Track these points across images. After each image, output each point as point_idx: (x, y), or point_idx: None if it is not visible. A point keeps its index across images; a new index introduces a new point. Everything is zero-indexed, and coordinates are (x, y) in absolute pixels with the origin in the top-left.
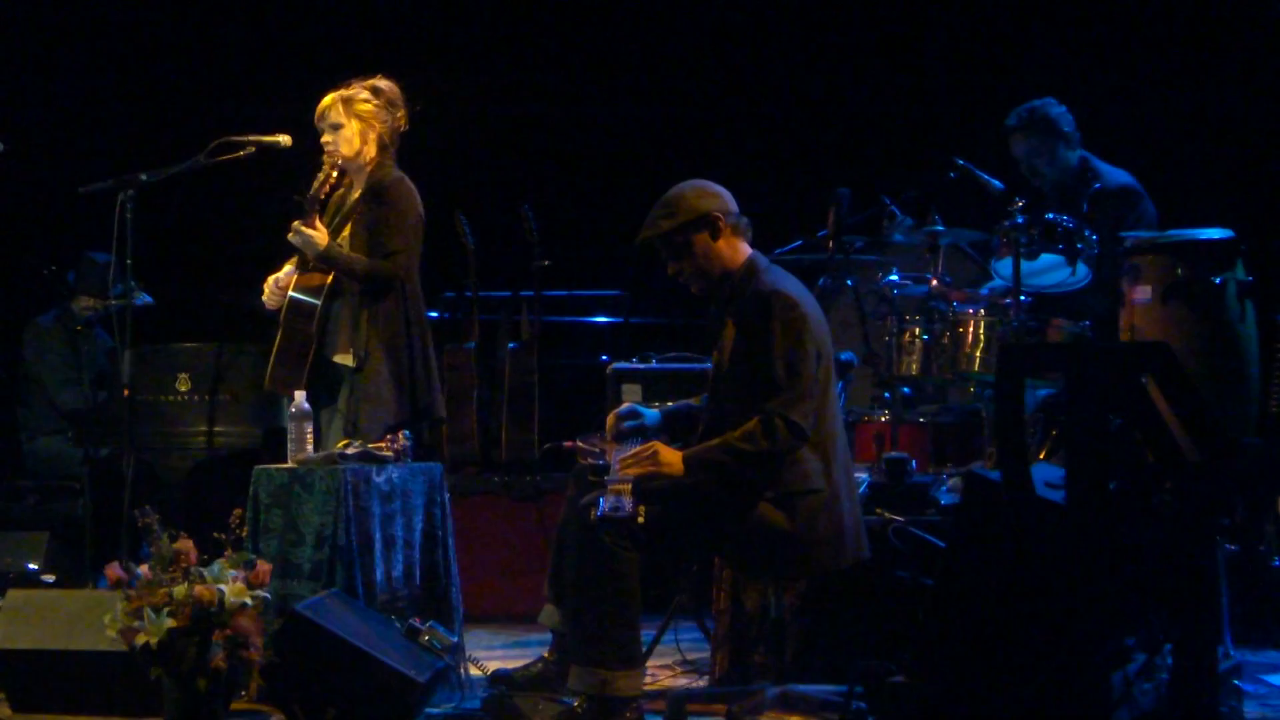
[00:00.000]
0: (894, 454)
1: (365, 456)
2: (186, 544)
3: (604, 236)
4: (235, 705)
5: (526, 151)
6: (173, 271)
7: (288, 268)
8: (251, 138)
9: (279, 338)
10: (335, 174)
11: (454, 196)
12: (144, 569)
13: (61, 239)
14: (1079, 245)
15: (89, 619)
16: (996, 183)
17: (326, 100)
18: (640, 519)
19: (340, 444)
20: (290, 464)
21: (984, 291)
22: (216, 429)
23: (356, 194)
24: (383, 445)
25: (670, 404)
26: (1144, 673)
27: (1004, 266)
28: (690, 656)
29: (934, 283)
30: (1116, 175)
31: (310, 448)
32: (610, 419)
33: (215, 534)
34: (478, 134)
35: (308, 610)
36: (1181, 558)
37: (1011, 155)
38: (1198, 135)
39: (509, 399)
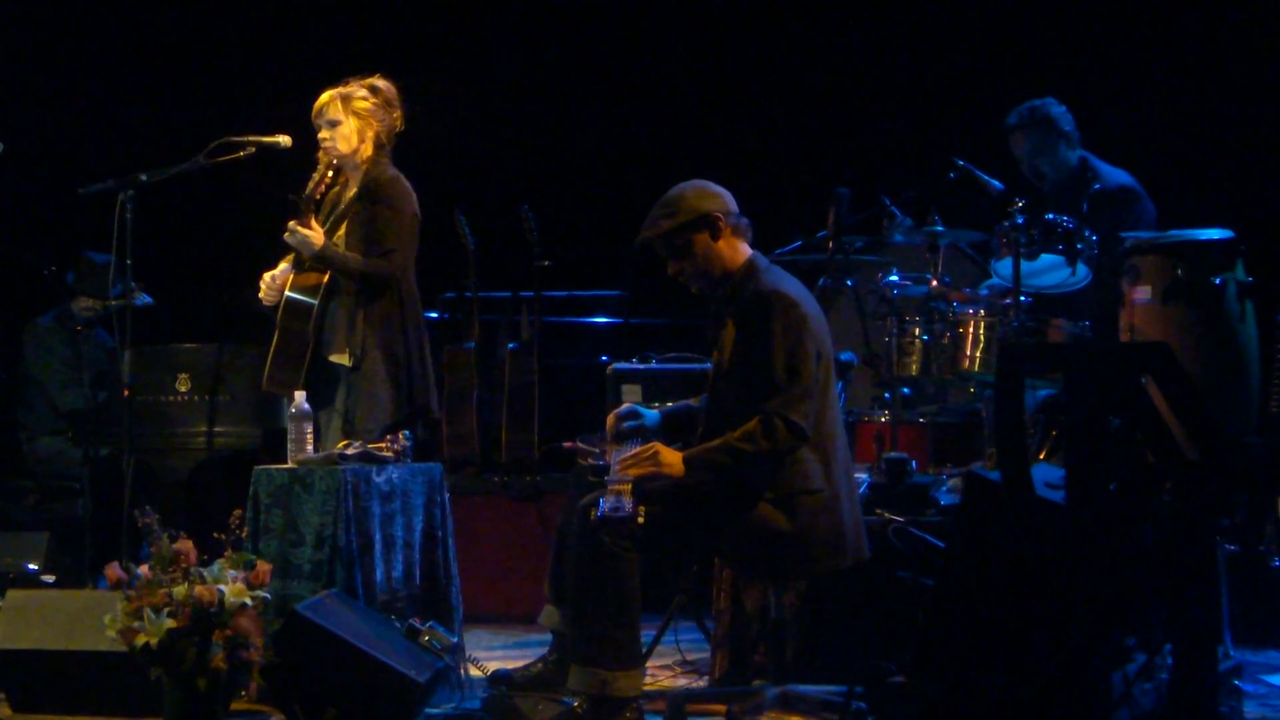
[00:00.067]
0: (894, 454)
1: (365, 456)
2: (186, 544)
3: (604, 236)
4: (235, 705)
5: (526, 151)
6: (173, 271)
7: (283, 265)
8: (251, 138)
9: (275, 338)
10: (330, 173)
11: (454, 196)
12: (144, 569)
13: (61, 239)
14: (1079, 245)
15: (89, 619)
16: (996, 183)
17: (324, 97)
18: (640, 519)
19: (340, 444)
20: (290, 464)
21: (983, 291)
22: (216, 429)
23: (352, 192)
24: (383, 445)
25: (670, 404)
26: (1144, 673)
27: (1004, 266)
28: (690, 656)
29: (934, 283)
30: (1116, 175)
31: (310, 448)
32: (610, 419)
33: (215, 534)
34: (478, 134)
35: (308, 610)
36: (1181, 558)
37: (1011, 155)
38: (1198, 135)
39: (509, 399)
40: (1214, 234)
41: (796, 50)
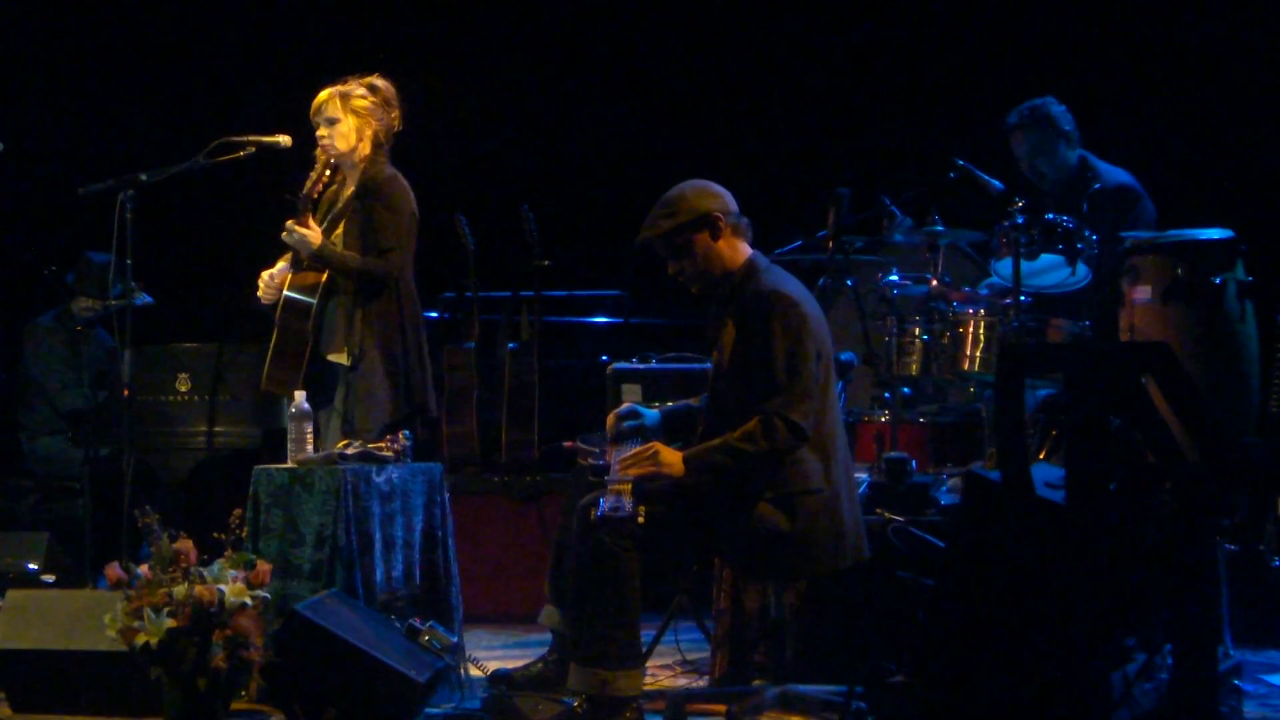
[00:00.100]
0: (894, 454)
1: (365, 456)
2: (186, 544)
3: (604, 236)
4: (235, 705)
5: (526, 151)
6: (173, 271)
7: (281, 263)
8: (251, 138)
9: (274, 338)
10: (328, 172)
11: (454, 196)
12: (144, 569)
13: (61, 239)
14: (1079, 245)
15: (89, 619)
16: (996, 183)
17: (323, 95)
18: (640, 519)
19: (340, 444)
20: (290, 464)
21: (983, 291)
22: (216, 429)
23: (350, 191)
24: (383, 445)
25: (670, 404)
26: (1144, 673)
27: (1004, 266)
28: (690, 656)
29: (934, 283)
30: (1116, 174)
31: (310, 448)
32: (610, 419)
33: (215, 534)
34: (478, 134)
35: (308, 610)
36: (1181, 558)
37: (1011, 155)
38: (1198, 135)
39: (509, 399)
40: (1214, 234)
41: (796, 50)
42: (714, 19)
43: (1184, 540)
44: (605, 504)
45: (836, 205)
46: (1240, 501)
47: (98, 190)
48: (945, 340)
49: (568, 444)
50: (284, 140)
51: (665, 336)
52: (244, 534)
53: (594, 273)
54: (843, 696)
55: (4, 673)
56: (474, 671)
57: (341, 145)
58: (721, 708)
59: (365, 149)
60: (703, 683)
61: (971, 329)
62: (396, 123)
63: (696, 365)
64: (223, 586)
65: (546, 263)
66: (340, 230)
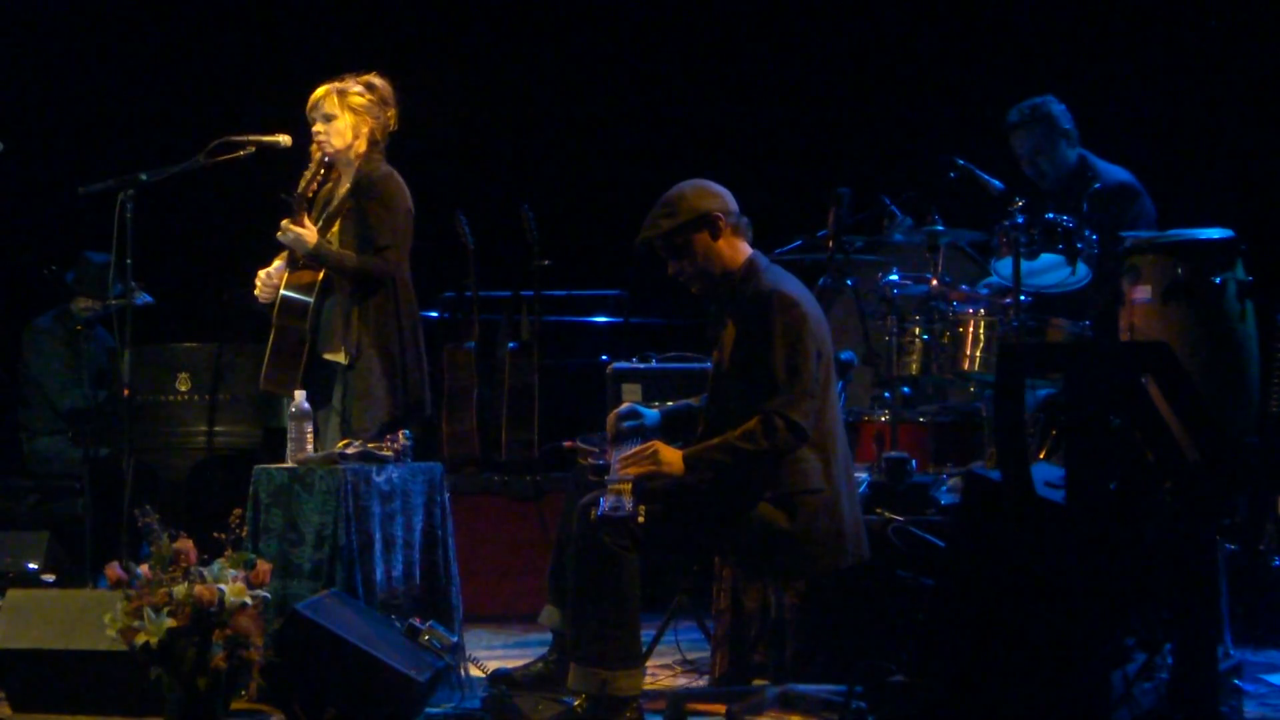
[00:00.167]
0: (894, 454)
1: (365, 456)
2: (186, 544)
3: (604, 236)
4: (235, 705)
5: (526, 151)
6: (173, 271)
7: (278, 262)
8: (251, 138)
9: (272, 337)
10: (322, 170)
11: (454, 196)
12: (144, 569)
13: (61, 239)
14: (1079, 245)
15: (89, 619)
16: (996, 183)
17: (320, 91)
18: (640, 519)
19: (340, 444)
20: (290, 464)
21: (983, 290)
22: (216, 429)
23: (345, 189)
24: (383, 445)
25: (670, 404)
26: (1144, 673)
27: (1004, 266)
28: (690, 656)
29: (934, 283)
30: (1115, 173)
31: (310, 447)
32: (610, 419)
33: (215, 534)
34: (478, 134)
35: (308, 610)
36: (1181, 558)
37: (1011, 154)
38: (1198, 135)
39: (509, 399)
40: (1214, 234)
41: (797, 50)
42: (714, 19)
43: (1184, 540)
44: (605, 504)
45: (836, 205)
46: (1240, 501)
47: (98, 190)
48: (945, 340)
49: (568, 444)
50: (284, 140)
51: (665, 336)
52: (244, 534)
53: (594, 273)
54: (843, 696)
55: (4, 673)
56: (474, 671)
57: (337, 142)
58: (721, 708)
59: (361, 146)
60: (703, 683)
61: (971, 329)
62: (393, 121)
63: (696, 365)
64: (223, 586)
65: (546, 262)
66: (336, 229)
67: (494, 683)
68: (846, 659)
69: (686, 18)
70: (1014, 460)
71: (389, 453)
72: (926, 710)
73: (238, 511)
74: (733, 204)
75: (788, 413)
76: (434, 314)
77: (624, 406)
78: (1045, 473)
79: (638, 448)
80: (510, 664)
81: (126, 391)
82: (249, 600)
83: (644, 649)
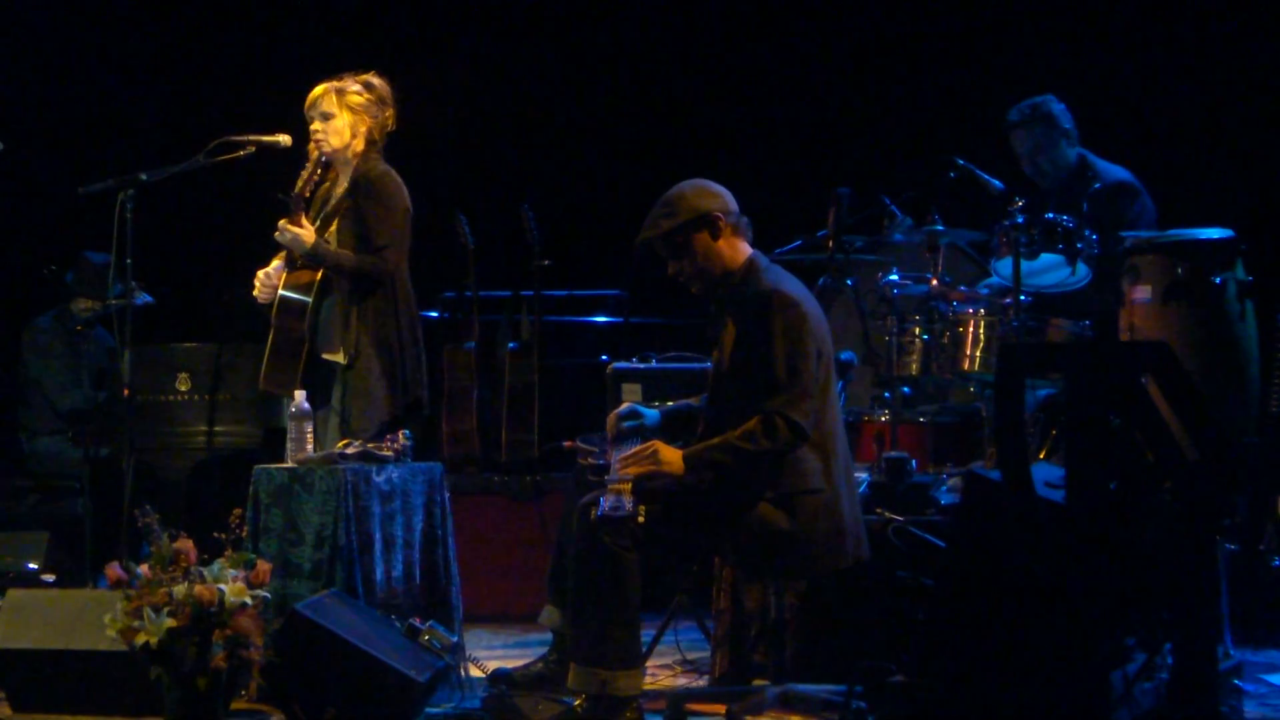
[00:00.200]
0: (894, 454)
1: (365, 456)
2: (186, 544)
3: (604, 236)
4: (235, 705)
5: (526, 151)
6: (173, 271)
7: (276, 262)
8: (251, 138)
9: (271, 337)
10: (319, 170)
11: (454, 196)
12: (144, 569)
13: (61, 239)
14: (1079, 245)
15: (89, 619)
16: (996, 183)
17: (318, 90)
18: (640, 519)
19: (340, 444)
20: (290, 464)
21: (983, 290)
22: (216, 429)
23: (342, 188)
24: (383, 445)
25: (670, 404)
26: (1144, 673)
27: (1004, 266)
28: (690, 656)
29: (934, 283)
30: (1114, 171)
31: (310, 447)
32: (610, 419)
33: (215, 534)
34: (478, 134)
35: (308, 610)
36: (1181, 558)
37: (1011, 154)
38: (1198, 135)
39: (509, 399)
40: (1214, 234)
41: (797, 50)
42: (714, 18)
43: (1184, 540)
44: (605, 504)
45: (836, 205)
46: (1240, 501)
47: (98, 190)
48: (945, 340)
49: (568, 444)
50: (284, 140)
51: (665, 336)
52: (244, 534)
53: (594, 273)
54: (843, 696)
55: (4, 673)
56: (474, 671)
57: (335, 141)
58: (721, 708)
59: (359, 145)
60: (703, 683)
61: (971, 329)
62: (390, 121)
63: (696, 365)
64: (223, 586)
65: (546, 262)
66: (334, 228)
67: (494, 683)
68: (846, 659)
69: (686, 17)
70: (1014, 460)
71: (389, 453)
72: (926, 710)
73: (238, 511)
74: (733, 204)
75: (788, 413)
76: (434, 314)
77: (624, 406)
78: (1045, 473)
79: (637, 448)
80: (510, 664)
81: (126, 391)
82: (249, 600)
83: (644, 649)
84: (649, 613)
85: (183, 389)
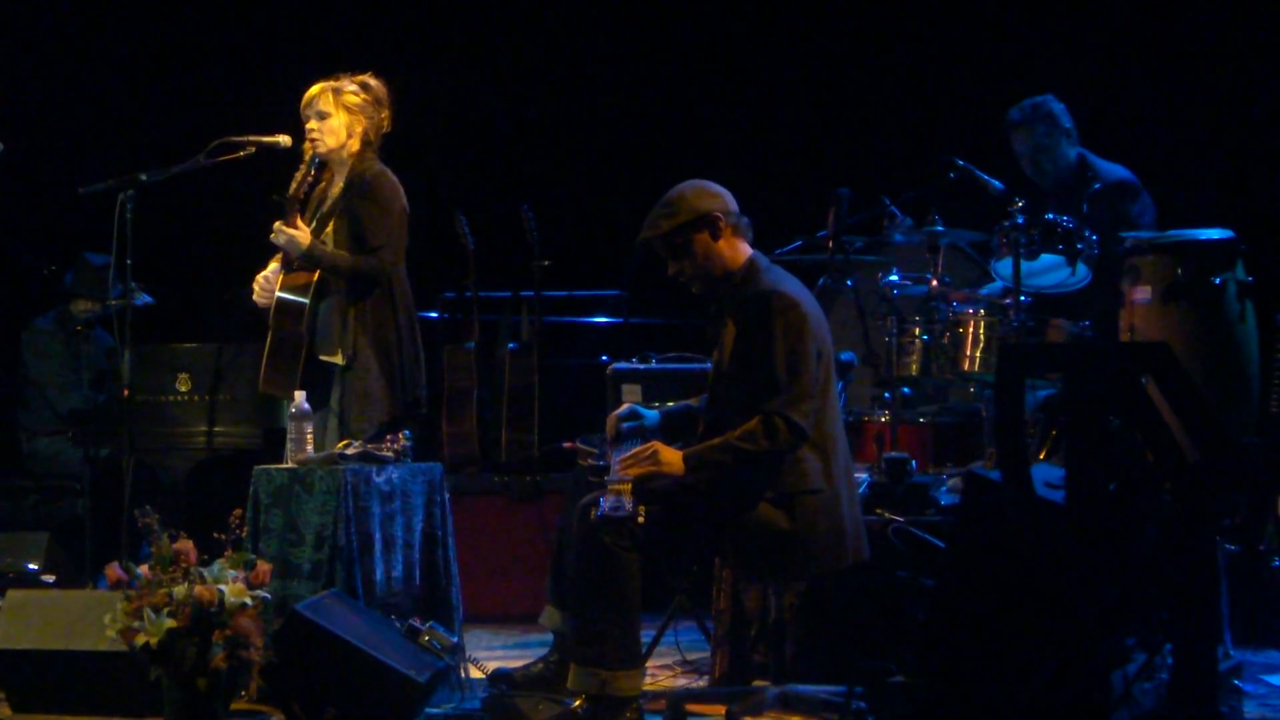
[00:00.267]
0: (894, 454)
1: (365, 456)
2: (186, 544)
3: (604, 236)
4: (235, 705)
5: (526, 151)
6: (173, 271)
7: (273, 265)
8: (251, 138)
9: (269, 340)
10: (313, 171)
11: (454, 196)
12: (144, 569)
13: (61, 239)
14: (1079, 245)
15: (89, 619)
16: (996, 183)
17: (315, 89)
18: (640, 519)
19: (340, 444)
20: (290, 464)
21: (983, 292)
22: (216, 429)
23: (338, 189)
24: (383, 445)
25: (670, 404)
26: (1144, 673)
27: (1004, 266)
28: (690, 656)
29: (934, 283)
30: (1115, 171)
31: (310, 448)
32: (610, 419)
33: (215, 534)
34: (478, 134)
35: (308, 610)
36: (1181, 558)
37: (1011, 154)
38: (1198, 135)
39: (509, 399)
40: (1214, 234)
41: (797, 50)
42: (714, 18)
43: (1184, 540)
44: (605, 504)
45: (836, 205)
46: (1240, 501)
47: (98, 190)
48: (945, 340)
49: (568, 444)
50: (284, 140)
51: (665, 336)
52: (244, 534)
53: (594, 273)
54: (843, 696)
55: (4, 673)
56: (474, 671)
57: (331, 141)
58: (721, 708)
59: (354, 146)
60: (703, 683)
61: (971, 329)
62: (386, 123)
63: (696, 365)
64: (223, 586)
65: (546, 263)
66: (330, 229)
67: (494, 683)
68: (846, 659)
69: (686, 18)
70: (1014, 460)
71: (389, 453)
72: (926, 710)
73: (238, 512)
74: (733, 204)
75: (788, 413)
76: (434, 314)
77: (624, 407)
78: (1045, 473)
79: (637, 448)
80: (510, 664)
81: (126, 391)
82: (249, 601)
83: (644, 649)
84: (649, 613)
85: (183, 389)
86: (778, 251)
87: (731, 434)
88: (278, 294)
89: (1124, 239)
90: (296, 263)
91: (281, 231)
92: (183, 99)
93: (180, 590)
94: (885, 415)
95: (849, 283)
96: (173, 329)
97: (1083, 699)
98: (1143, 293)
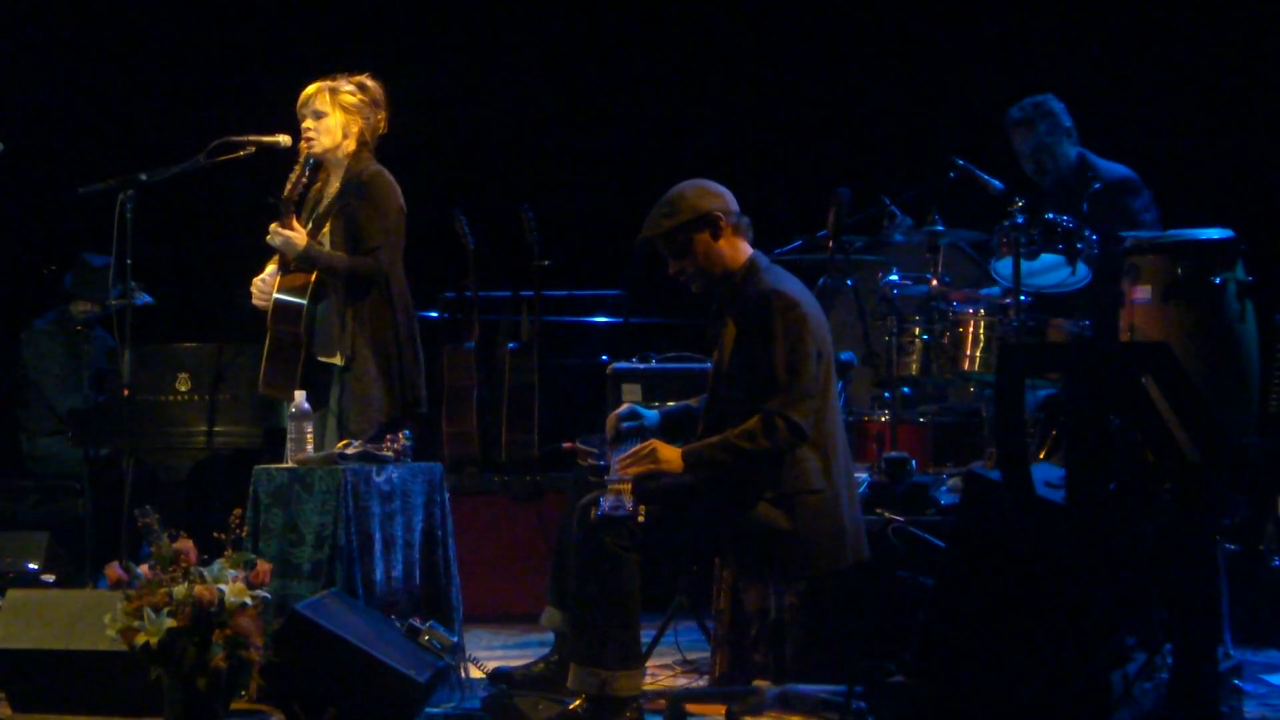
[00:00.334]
0: (894, 454)
1: (365, 456)
2: (186, 544)
3: (604, 236)
4: (235, 705)
5: (526, 151)
6: (173, 271)
7: (271, 267)
8: (251, 138)
9: (267, 341)
10: (308, 172)
11: (454, 196)
12: (144, 569)
13: (61, 239)
14: (1079, 245)
15: (89, 619)
16: (996, 183)
17: (311, 88)
18: (640, 519)
19: (340, 444)
20: (290, 464)
21: (984, 293)
22: (216, 429)
23: (334, 189)
24: (383, 445)
25: (670, 404)
26: (1144, 673)
27: (1004, 266)
28: (690, 656)
29: (934, 283)
30: (1115, 169)
31: (310, 448)
32: (610, 419)
33: (215, 534)
34: (477, 134)
35: (308, 610)
36: (1181, 558)
37: (1011, 152)
38: (1198, 135)
39: (509, 399)
40: (1214, 234)
41: (797, 50)
42: (715, 18)
43: (1184, 540)
44: (605, 504)
45: (836, 205)
46: (1240, 501)
47: (98, 190)
48: (945, 340)
49: (568, 444)
50: (284, 140)
51: (665, 336)
52: (244, 534)
53: (594, 273)
54: (843, 696)
55: (4, 673)
56: (474, 671)
57: (326, 140)
58: (721, 708)
59: (350, 146)
60: (703, 683)
61: (971, 329)
62: (382, 124)
63: (696, 365)
64: (223, 586)
65: (546, 263)
66: (327, 229)
67: (494, 682)
68: (846, 659)
69: (686, 18)
70: (1014, 460)
71: (389, 453)
72: (926, 710)
73: (238, 511)
74: (733, 204)
75: (788, 413)
76: (434, 314)
77: (624, 407)
78: (1045, 473)
79: (636, 447)
80: (510, 664)
81: (126, 391)
82: (249, 600)
83: (644, 649)
84: (649, 613)
85: (183, 389)
86: (778, 251)
87: (731, 432)
88: (275, 296)
89: (1124, 239)
90: (293, 264)
91: (277, 233)
92: (183, 99)
93: (180, 590)
94: (885, 415)
95: (849, 283)
96: (173, 329)
97: (1083, 699)
98: (1143, 292)
